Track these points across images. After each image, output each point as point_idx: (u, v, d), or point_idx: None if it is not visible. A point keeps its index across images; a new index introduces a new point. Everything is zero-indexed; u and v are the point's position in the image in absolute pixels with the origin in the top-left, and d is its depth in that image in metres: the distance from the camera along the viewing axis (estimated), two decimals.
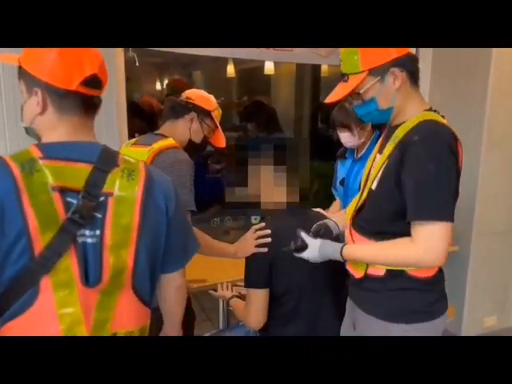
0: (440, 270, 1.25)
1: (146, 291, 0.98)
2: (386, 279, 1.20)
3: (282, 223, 1.43)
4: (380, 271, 1.21)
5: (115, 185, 0.91)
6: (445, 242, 1.08)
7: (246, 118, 3.38)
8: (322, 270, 1.41)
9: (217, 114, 1.68)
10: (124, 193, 0.91)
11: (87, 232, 0.88)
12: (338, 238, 1.37)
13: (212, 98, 1.69)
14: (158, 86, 6.06)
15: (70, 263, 0.86)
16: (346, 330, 1.41)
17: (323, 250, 1.26)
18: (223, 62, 4.35)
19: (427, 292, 1.22)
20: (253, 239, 1.42)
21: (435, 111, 1.20)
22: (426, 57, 2.63)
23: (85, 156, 0.91)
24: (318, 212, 1.58)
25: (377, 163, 1.23)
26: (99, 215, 0.89)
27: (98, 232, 0.88)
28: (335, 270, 1.46)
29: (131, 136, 2.15)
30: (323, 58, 2.36)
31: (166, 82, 6.15)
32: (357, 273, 1.27)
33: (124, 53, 1.97)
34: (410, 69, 1.18)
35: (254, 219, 2.86)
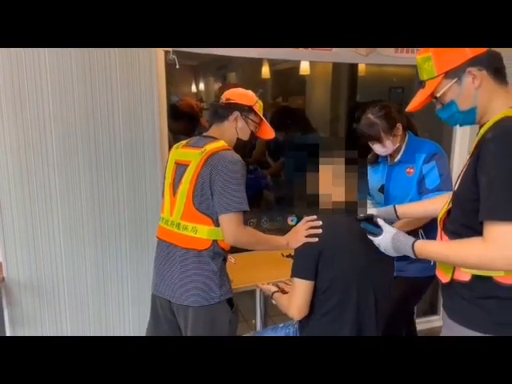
0: None
1: None
2: (473, 285, 1.15)
3: (334, 217, 1.44)
4: (466, 276, 1.16)
5: None
6: None
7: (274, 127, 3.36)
8: (369, 270, 1.40)
9: (259, 107, 1.70)
10: None
11: None
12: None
13: (250, 92, 1.71)
14: (194, 89, 6.14)
15: None
16: None
17: (396, 241, 1.25)
18: (258, 63, 4.35)
19: None
20: (304, 230, 1.45)
21: None
22: None
23: None
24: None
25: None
26: None
27: None
28: (383, 270, 1.45)
29: (175, 138, 2.19)
30: (363, 57, 2.31)
31: (201, 84, 6.21)
32: (444, 277, 1.23)
33: (165, 56, 2.01)
34: (493, 66, 1.15)
35: (290, 220, 2.85)
